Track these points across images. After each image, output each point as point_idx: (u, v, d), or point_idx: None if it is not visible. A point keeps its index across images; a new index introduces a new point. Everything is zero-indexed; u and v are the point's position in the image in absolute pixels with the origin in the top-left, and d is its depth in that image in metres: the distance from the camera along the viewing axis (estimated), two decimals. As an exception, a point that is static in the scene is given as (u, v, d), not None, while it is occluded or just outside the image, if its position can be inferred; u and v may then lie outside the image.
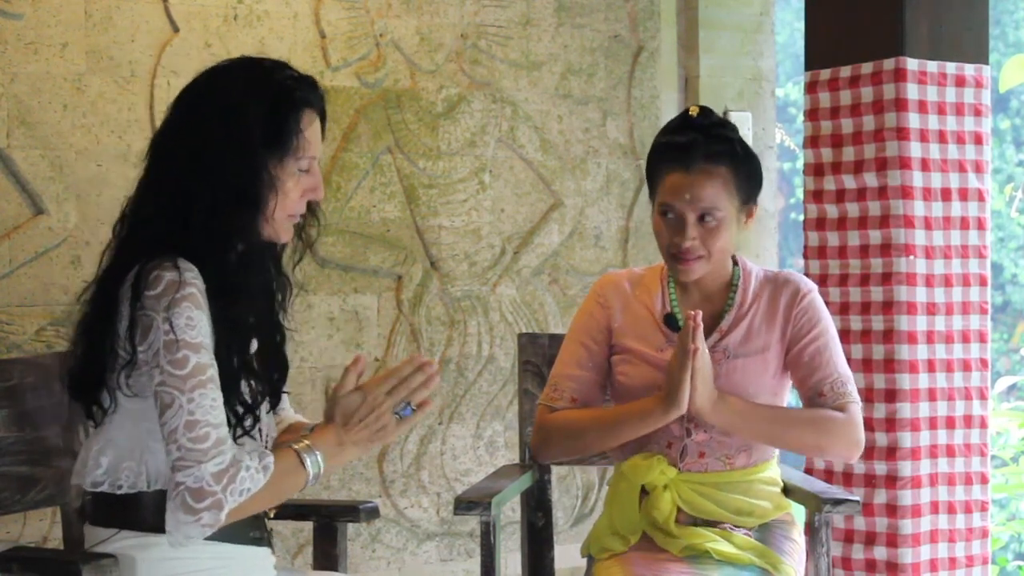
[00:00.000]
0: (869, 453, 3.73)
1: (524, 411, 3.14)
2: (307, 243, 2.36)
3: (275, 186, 2.21)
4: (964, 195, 3.82)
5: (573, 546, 3.74)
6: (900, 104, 3.73)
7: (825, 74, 3.91)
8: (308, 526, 2.79)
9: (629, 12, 4.43)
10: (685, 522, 2.72)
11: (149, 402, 2.14)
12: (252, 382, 2.23)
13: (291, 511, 2.57)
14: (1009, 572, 5.50)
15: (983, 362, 3.85)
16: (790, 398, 2.89)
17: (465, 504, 2.69)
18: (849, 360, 2.85)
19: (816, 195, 3.95)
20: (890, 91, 3.74)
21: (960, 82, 3.81)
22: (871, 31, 3.81)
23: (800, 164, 6.88)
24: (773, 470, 2.82)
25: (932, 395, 3.76)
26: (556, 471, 3.57)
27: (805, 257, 3.98)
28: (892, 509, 3.71)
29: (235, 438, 2.18)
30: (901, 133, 3.74)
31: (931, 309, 3.76)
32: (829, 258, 3.90)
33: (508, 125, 4.24)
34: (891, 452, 3.72)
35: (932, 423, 3.76)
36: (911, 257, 3.74)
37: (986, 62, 3.88)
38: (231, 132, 2.17)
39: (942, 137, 3.79)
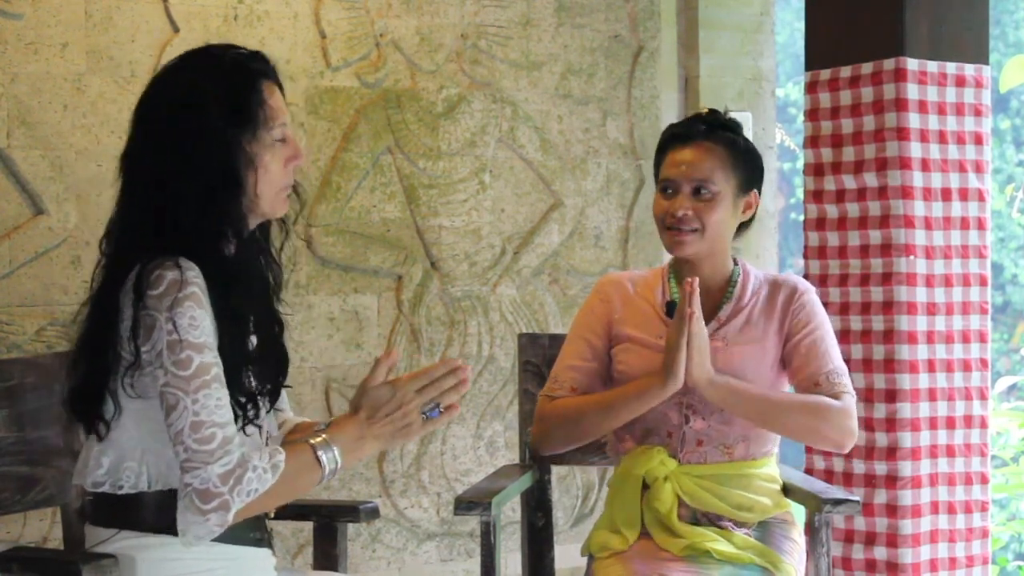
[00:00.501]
0: (869, 453, 3.74)
1: (524, 411, 3.14)
2: (288, 227, 2.34)
3: (254, 163, 2.19)
4: (964, 195, 3.82)
5: (573, 546, 3.74)
6: (900, 104, 3.73)
7: (825, 74, 3.91)
8: (308, 526, 2.78)
9: (629, 12, 4.43)
10: (686, 519, 2.73)
11: (152, 402, 2.13)
12: (252, 372, 2.21)
13: (291, 511, 2.55)
14: (1009, 572, 5.50)
15: (983, 362, 3.85)
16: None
17: (465, 504, 2.70)
18: (849, 360, 2.86)
19: (816, 195, 3.95)
20: (890, 91, 3.74)
21: (960, 82, 3.81)
22: (871, 31, 3.82)
23: (800, 164, 6.89)
24: (772, 467, 2.84)
25: (932, 395, 3.76)
26: (556, 471, 3.57)
27: (805, 257, 3.98)
28: (892, 509, 3.72)
29: (243, 428, 2.17)
30: (901, 133, 3.74)
31: (931, 309, 3.76)
32: (829, 258, 3.90)
33: (508, 125, 4.24)
34: (891, 452, 3.72)
35: (932, 423, 3.76)
36: (911, 257, 3.74)
37: (986, 62, 3.88)
38: (196, 122, 2.16)
39: (942, 137, 3.79)
